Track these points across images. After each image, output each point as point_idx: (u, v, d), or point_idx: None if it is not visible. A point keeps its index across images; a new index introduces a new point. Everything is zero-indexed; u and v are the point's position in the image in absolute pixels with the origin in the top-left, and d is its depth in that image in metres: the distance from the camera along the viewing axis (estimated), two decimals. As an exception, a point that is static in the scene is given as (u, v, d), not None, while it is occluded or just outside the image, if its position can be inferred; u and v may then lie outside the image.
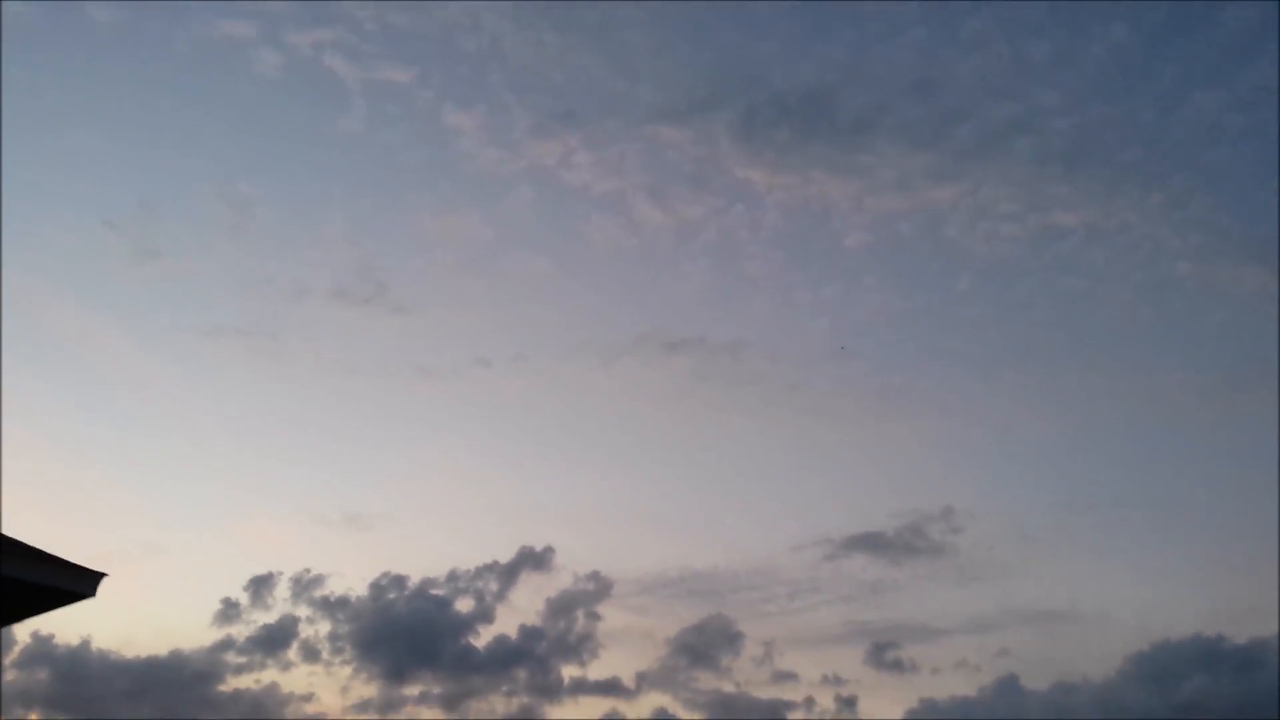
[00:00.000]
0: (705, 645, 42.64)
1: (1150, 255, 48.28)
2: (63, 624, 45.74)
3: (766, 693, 41.52)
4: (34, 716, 36.18)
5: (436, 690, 40.53)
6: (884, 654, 42.49)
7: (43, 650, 37.06)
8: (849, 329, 51.51)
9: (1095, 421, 50.33)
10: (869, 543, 45.20)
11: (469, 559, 45.55)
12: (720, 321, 54.68)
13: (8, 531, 8.42)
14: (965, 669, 42.74)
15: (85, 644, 37.51)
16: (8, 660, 36.44)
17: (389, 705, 39.73)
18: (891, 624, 44.41)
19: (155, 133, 45.51)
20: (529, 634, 41.55)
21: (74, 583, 8.31)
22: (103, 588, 8.54)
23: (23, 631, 37.48)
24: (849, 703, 40.72)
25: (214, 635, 39.98)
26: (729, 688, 41.72)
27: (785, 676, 41.88)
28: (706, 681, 41.94)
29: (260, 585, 40.64)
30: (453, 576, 41.82)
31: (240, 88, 45.17)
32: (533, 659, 41.06)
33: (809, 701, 40.80)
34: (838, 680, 41.48)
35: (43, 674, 36.92)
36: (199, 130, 46.49)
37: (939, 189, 47.68)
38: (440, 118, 47.15)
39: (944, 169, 47.36)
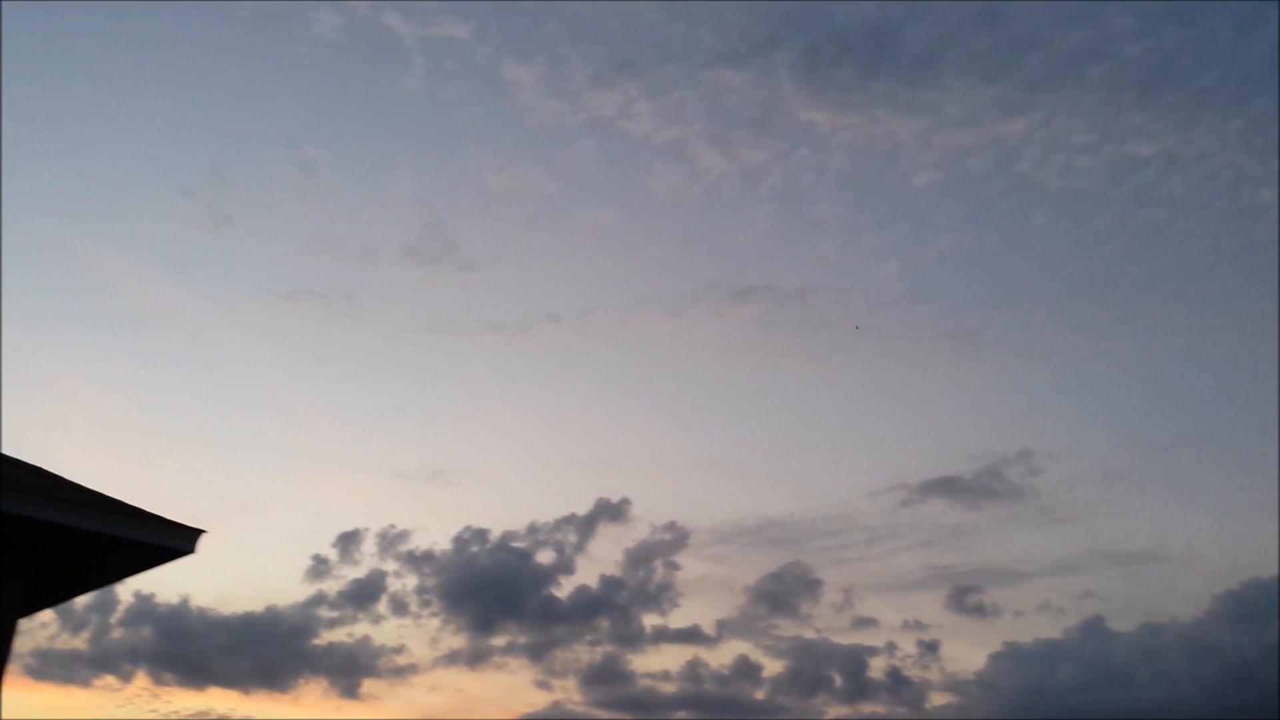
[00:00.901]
0: (784, 592, 42.88)
1: (1231, 183, 46.58)
2: (163, 583, 47.54)
3: (847, 639, 41.71)
4: (140, 673, 37.72)
5: (522, 640, 41.43)
6: (965, 598, 42.31)
7: (145, 609, 38.53)
8: (919, 270, 50.68)
9: (1177, 356, 49.09)
10: (946, 487, 44.86)
11: (547, 512, 46.15)
12: (788, 267, 53.91)
13: (105, 492, 8.76)
14: (1049, 611, 42.39)
15: (185, 602, 38.87)
16: (113, 619, 37.99)
17: (477, 656, 40.71)
18: (972, 568, 44.16)
19: (222, 99, 46.02)
20: (609, 584, 42.19)
21: (175, 539, 8.61)
22: (199, 546, 8.82)
23: (125, 592, 38.96)
24: (931, 647, 40.74)
25: (306, 591, 41.30)
26: (809, 634, 41.97)
27: (866, 622, 42.00)
28: (787, 628, 42.22)
29: (348, 541, 41.71)
30: (532, 529, 42.51)
31: (302, 50, 45.42)
32: (614, 609, 41.71)
33: (890, 647, 40.88)
34: (919, 625, 41.47)
35: (146, 632, 38.43)
36: (264, 95, 46.97)
37: (1009, 122, 46.39)
38: (500, 71, 47.03)
39: (1014, 101, 45.99)
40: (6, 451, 9.04)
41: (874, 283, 51.06)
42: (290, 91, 47.21)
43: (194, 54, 45.09)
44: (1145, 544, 45.66)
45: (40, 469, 8.96)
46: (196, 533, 8.75)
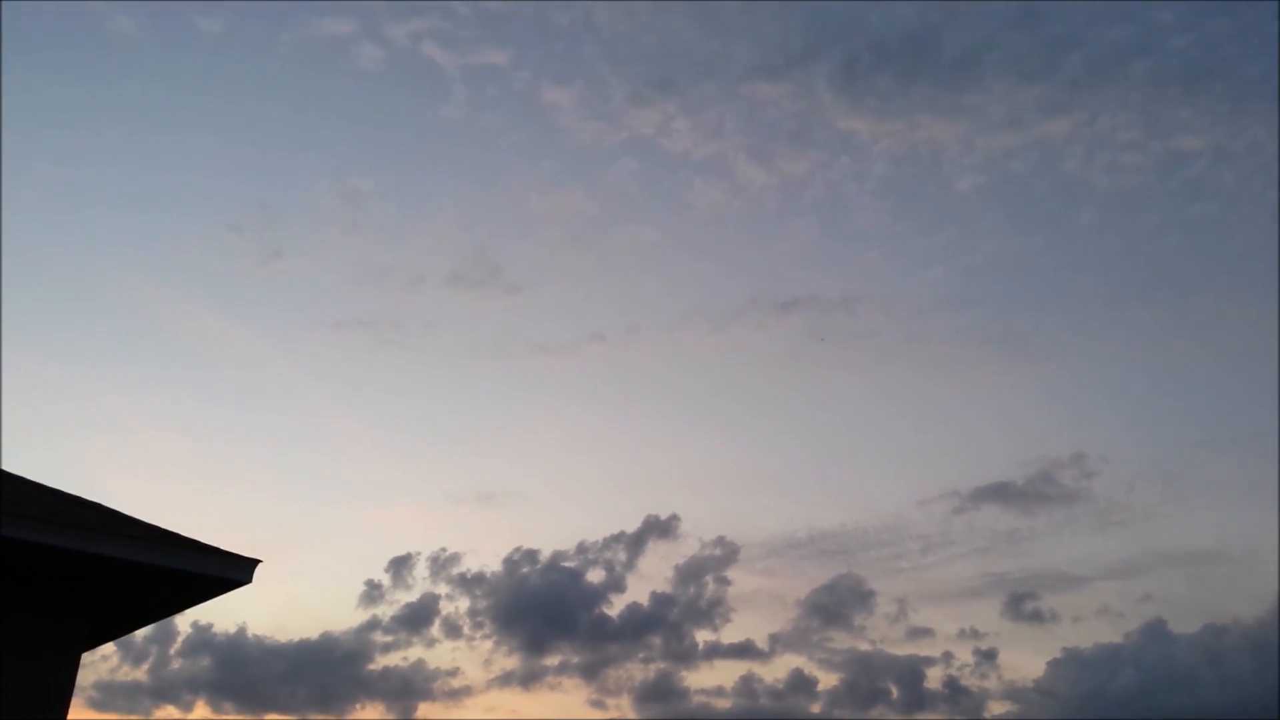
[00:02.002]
0: (837, 604, 42.51)
1: (1283, 174, 45.75)
2: (220, 613, 48.15)
3: (903, 649, 41.27)
4: (200, 702, 38.21)
5: (575, 660, 41.42)
6: (1022, 605, 41.76)
7: (203, 639, 38.98)
8: (965, 275, 50.23)
9: (1232, 352, 48.16)
10: (998, 493, 44.33)
11: (596, 530, 46.24)
12: (831, 277, 53.74)
13: (162, 525, 8.93)
14: (1109, 616, 41.76)
15: (242, 631, 39.31)
16: (173, 650, 38.53)
17: (531, 676, 40.76)
18: (1029, 574, 43.56)
19: (267, 134, 46.79)
20: (660, 601, 42.07)
21: (232, 570, 8.73)
22: (255, 576, 8.93)
23: (183, 623, 39.51)
24: (988, 655, 40.18)
25: (361, 616, 41.65)
26: (864, 646, 41.57)
27: (921, 632, 41.54)
28: (841, 641, 41.84)
29: (400, 566, 41.98)
30: (582, 548, 42.52)
31: (344, 84, 46.11)
32: (666, 625, 41.56)
33: (947, 656, 40.39)
34: (975, 634, 40.94)
35: (205, 662, 38.89)
36: (309, 129, 47.77)
37: (1053, 122, 45.96)
38: (538, 95, 47.46)
39: (1056, 100, 45.57)
40: (64, 487, 9.25)
41: (919, 290, 50.78)
42: (334, 124, 48.01)
43: (239, 93, 46.01)
44: (1205, 544, 44.89)
45: (100, 505, 9.15)
46: (253, 563, 8.87)
